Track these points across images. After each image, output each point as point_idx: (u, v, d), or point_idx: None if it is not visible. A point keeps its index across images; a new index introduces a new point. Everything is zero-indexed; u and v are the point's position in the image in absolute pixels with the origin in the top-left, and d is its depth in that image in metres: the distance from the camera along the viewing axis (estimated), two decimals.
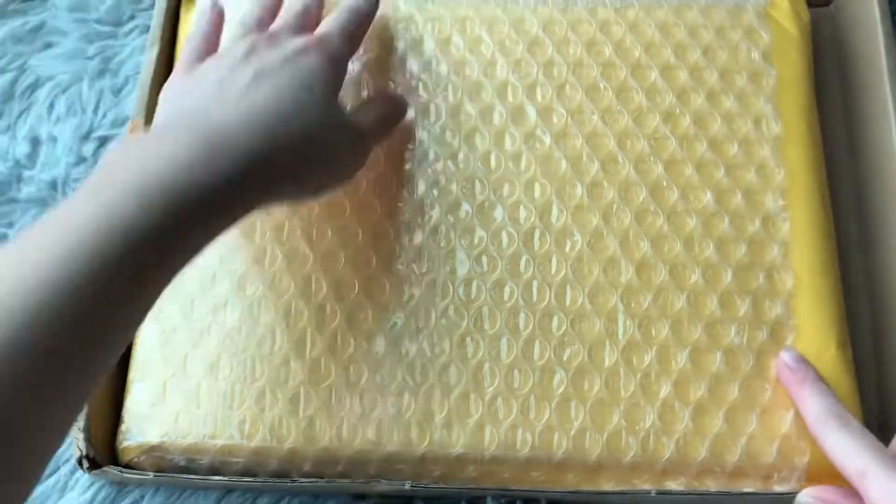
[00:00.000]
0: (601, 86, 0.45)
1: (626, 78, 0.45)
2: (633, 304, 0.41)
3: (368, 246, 0.42)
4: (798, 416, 0.38)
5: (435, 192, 0.43)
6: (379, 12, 0.44)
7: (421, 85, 0.45)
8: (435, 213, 0.43)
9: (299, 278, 0.42)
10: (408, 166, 0.44)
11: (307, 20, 0.41)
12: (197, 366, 0.41)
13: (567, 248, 0.42)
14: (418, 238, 0.42)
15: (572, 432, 0.39)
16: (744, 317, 0.40)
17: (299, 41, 0.38)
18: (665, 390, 0.39)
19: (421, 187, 0.43)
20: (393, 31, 0.46)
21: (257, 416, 0.40)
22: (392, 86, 0.45)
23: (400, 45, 0.46)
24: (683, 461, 0.38)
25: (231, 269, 0.42)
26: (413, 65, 0.46)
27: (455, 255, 0.42)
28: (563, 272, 0.41)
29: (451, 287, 0.41)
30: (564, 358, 0.40)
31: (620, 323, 0.40)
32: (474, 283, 0.41)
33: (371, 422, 0.40)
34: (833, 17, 0.50)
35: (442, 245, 0.42)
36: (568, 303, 0.41)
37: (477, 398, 0.40)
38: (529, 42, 0.45)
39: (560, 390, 0.39)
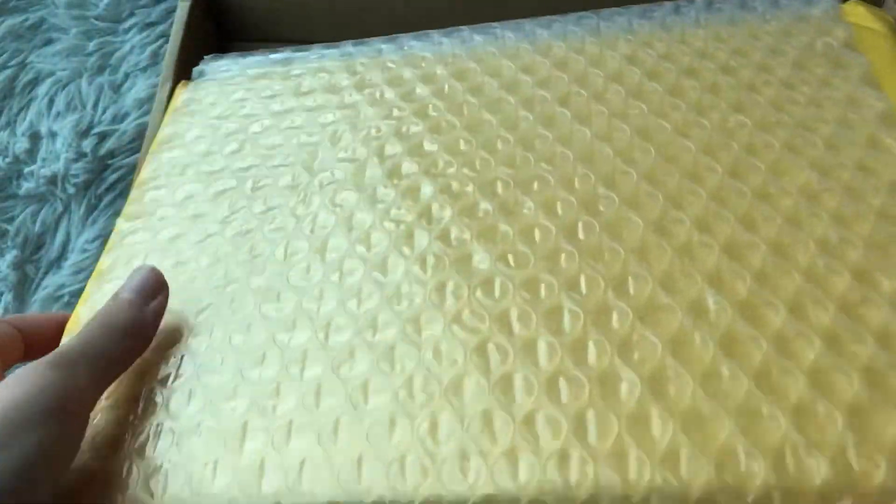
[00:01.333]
0: (649, 88, 0.36)
1: (678, 78, 0.37)
2: (726, 289, 0.28)
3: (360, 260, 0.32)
4: None
5: (446, 196, 0.33)
6: (356, 79, 0.40)
7: (431, 106, 0.38)
8: (445, 215, 0.33)
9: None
10: (413, 169, 0.35)
11: None
12: None
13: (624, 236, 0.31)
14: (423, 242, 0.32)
15: (658, 457, 0.25)
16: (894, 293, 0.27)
17: None
18: (797, 389, 0.25)
19: (427, 191, 0.34)
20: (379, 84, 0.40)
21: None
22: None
23: (389, 94, 0.39)
24: (850, 488, 0.23)
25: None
26: (403, 102, 0.39)
27: (471, 256, 0.31)
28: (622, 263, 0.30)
29: (465, 289, 0.30)
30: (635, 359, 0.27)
31: (712, 307, 0.28)
32: (497, 281, 0.30)
33: (344, 465, 0.26)
34: None
35: (454, 246, 0.32)
36: (632, 293, 0.29)
37: (507, 418, 0.26)
38: (547, 71, 0.38)
39: (633, 401, 0.26)
